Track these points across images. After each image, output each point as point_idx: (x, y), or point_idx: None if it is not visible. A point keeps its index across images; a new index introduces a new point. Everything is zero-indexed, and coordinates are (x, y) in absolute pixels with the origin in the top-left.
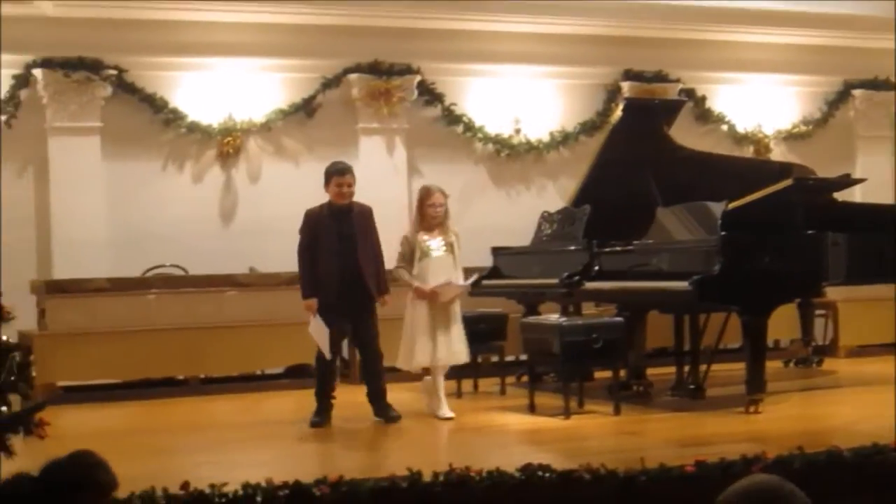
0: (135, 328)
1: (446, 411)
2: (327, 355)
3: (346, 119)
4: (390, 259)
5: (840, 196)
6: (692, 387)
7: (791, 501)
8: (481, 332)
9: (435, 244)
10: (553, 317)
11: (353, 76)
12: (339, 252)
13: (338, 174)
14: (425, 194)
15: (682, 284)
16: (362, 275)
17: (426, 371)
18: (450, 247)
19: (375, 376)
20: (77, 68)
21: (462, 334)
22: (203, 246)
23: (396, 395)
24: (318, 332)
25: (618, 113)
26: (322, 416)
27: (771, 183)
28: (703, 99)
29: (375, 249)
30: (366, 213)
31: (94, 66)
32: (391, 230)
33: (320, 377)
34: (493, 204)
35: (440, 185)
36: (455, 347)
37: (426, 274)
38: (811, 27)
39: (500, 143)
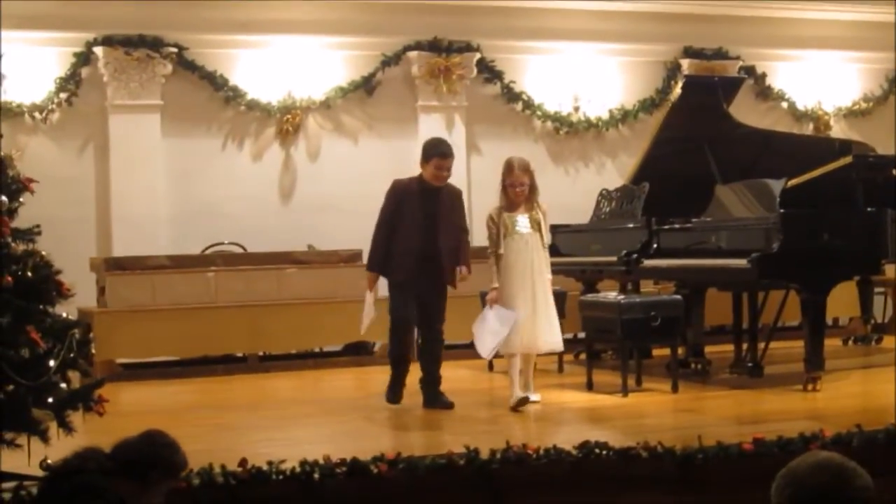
0: (194, 305)
1: (534, 394)
2: (361, 331)
3: (405, 97)
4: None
5: None
6: (750, 364)
7: (854, 478)
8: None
9: (520, 222)
10: (612, 294)
11: (412, 53)
12: (421, 229)
13: (440, 156)
14: (506, 171)
15: (741, 262)
16: (440, 255)
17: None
18: (536, 224)
19: (434, 362)
20: (137, 46)
21: (557, 321)
22: (262, 223)
23: (451, 371)
24: (367, 309)
25: (677, 90)
26: (396, 390)
27: (830, 160)
28: (763, 76)
29: (460, 227)
30: (455, 194)
31: (154, 44)
32: None
33: (393, 356)
34: (552, 182)
35: (499, 162)
36: (555, 335)
37: (511, 253)
38: (872, 2)
39: (560, 121)
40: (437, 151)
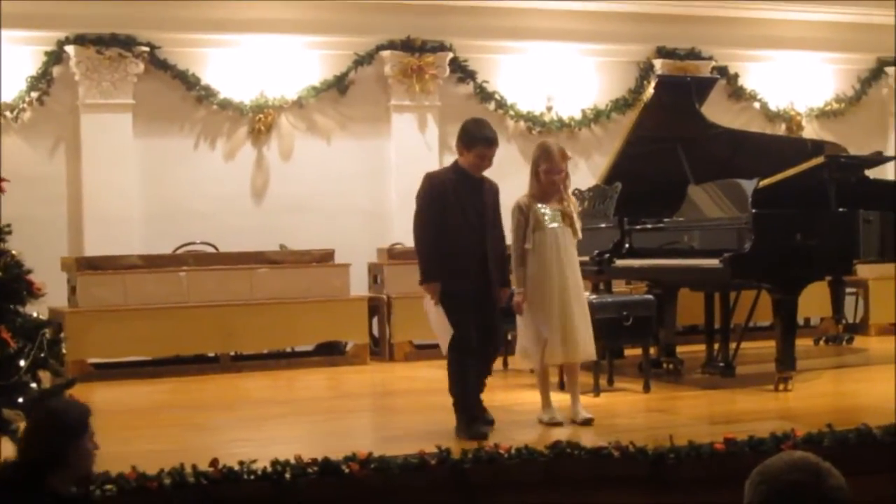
0: (166, 305)
1: (584, 413)
2: (444, 351)
3: (378, 96)
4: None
5: (872, 174)
6: (722, 364)
7: (828, 478)
8: (510, 309)
9: (550, 214)
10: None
11: (385, 53)
12: (472, 228)
13: (486, 143)
14: (543, 156)
15: (713, 262)
16: (488, 262)
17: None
18: (567, 218)
19: (487, 375)
20: (109, 45)
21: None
22: (235, 223)
23: (425, 372)
24: (442, 326)
25: (650, 90)
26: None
27: (803, 161)
28: (736, 76)
29: (502, 234)
30: (496, 190)
31: (126, 43)
32: None
33: (462, 384)
34: (524, 181)
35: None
36: (592, 342)
37: (543, 249)
38: (844, 4)
39: (532, 121)
40: (482, 136)
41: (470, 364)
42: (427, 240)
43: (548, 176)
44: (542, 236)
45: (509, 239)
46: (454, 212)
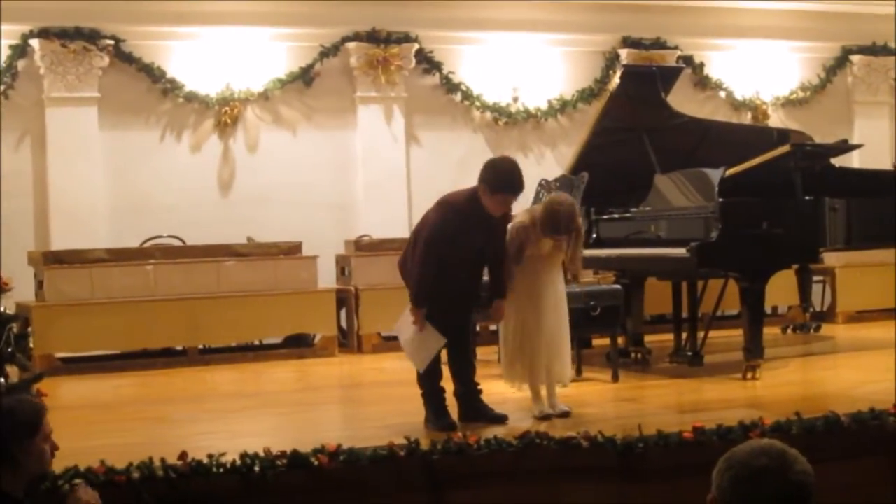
0: (133, 299)
1: (562, 405)
2: (419, 369)
3: (344, 88)
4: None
5: (838, 162)
6: (690, 353)
7: (794, 463)
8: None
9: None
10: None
11: (351, 45)
12: (469, 264)
13: (512, 192)
14: (548, 222)
15: (681, 251)
16: (478, 289)
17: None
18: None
19: (471, 369)
20: (74, 38)
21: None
22: (201, 216)
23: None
24: (418, 346)
25: (616, 80)
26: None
27: (769, 149)
28: (702, 66)
29: (501, 256)
30: (506, 228)
31: (91, 36)
32: (391, 199)
33: (431, 375)
34: None
35: (438, 153)
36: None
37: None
38: None
39: (499, 111)
40: (510, 187)
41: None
42: (427, 272)
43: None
44: (536, 261)
45: None
46: (458, 248)
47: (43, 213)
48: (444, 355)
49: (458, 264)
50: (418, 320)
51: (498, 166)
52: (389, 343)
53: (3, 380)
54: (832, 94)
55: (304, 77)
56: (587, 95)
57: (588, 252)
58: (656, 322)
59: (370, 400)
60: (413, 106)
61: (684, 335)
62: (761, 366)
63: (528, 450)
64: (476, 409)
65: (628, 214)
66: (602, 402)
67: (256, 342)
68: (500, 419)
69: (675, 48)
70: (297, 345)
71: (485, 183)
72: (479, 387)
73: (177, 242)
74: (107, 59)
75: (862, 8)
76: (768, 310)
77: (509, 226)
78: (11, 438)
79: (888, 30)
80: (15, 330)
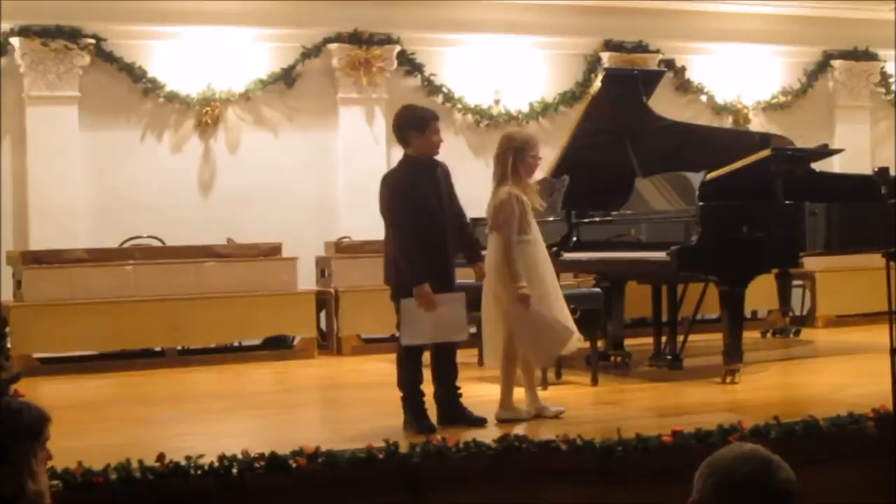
0: (112, 299)
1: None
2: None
3: (325, 89)
4: None
5: (818, 166)
6: (670, 357)
7: (778, 471)
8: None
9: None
10: None
11: (333, 46)
12: (438, 223)
13: (436, 118)
14: (526, 144)
15: (661, 255)
16: (448, 251)
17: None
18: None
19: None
20: (55, 37)
21: None
22: (181, 216)
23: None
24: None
25: (597, 83)
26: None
27: (750, 153)
28: (683, 69)
29: (462, 210)
30: (448, 171)
31: (72, 35)
32: (372, 201)
33: (412, 378)
34: (472, 174)
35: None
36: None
37: (538, 240)
38: None
39: (480, 114)
40: (431, 115)
41: (421, 358)
42: (412, 244)
43: (534, 161)
44: (534, 228)
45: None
46: (426, 207)
47: (22, 213)
48: (426, 357)
49: (434, 221)
50: (426, 298)
51: (408, 111)
52: (369, 345)
53: None
54: (813, 98)
55: (286, 78)
56: (569, 98)
57: (569, 255)
58: (636, 325)
59: (349, 402)
60: (395, 107)
61: (664, 339)
62: (741, 370)
63: (507, 453)
64: (456, 412)
65: (609, 218)
66: (582, 406)
67: (236, 343)
68: (480, 422)
69: (657, 52)
70: (277, 346)
71: (413, 129)
72: (459, 390)
73: (156, 243)
74: (88, 58)
75: (843, 12)
76: (748, 314)
77: (495, 203)
78: (9, 439)
79: (869, 34)
80: None
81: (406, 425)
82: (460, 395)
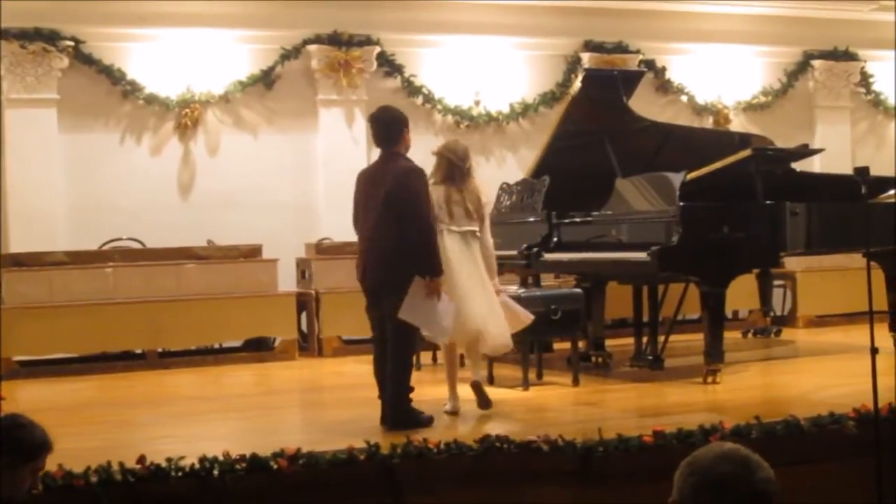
0: (92, 302)
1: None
2: (442, 340)
3: (305, 91)
4: None
5: (799, 166)
6: (651, 357)
7: (758, 470)
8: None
9: None
10: (512, 288)
11: (312, 47)
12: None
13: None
14: (466, 156)
15: (641, 255)
16: None
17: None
18: None
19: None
20: (33, 39)
21: None
22: (161, 219)
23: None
24: (435, 314)
25: (577, 84)
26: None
27: (730, 153)
28: (663, 70)
29: None
30: None
31: (50, 37)
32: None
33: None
34: None
35: None
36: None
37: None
38: None
39: (460, 115)
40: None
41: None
42: (434, 237)
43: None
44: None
45: None
46: (429, 203)
47: (1, 216)
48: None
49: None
50: (436, 290)
51: (393, 110)
52: (350, 346)
53: None
54: (794, 98)
55: (265, 79)
56: (549, 99)
57: (549, 256)
58: (617, 326)
59: (330, 403)
60: (374, 109)
61: (645, 339)
62: (722, 370)
63: (488, 453)
64: (406, 413)
65: (589, 218)
66: (563, 406)
67: (216, 345)
68: (427, 422)
69: (637, 52)
70: (258, 348)
71: (405, 127)
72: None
73: (136, 245)
74: (66, 61)
75: (824, 13)
76: (729, 314)
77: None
78: (13, 448)
79: (849, 35)
80: None
81: (404, 424)
82: (411, 399)
